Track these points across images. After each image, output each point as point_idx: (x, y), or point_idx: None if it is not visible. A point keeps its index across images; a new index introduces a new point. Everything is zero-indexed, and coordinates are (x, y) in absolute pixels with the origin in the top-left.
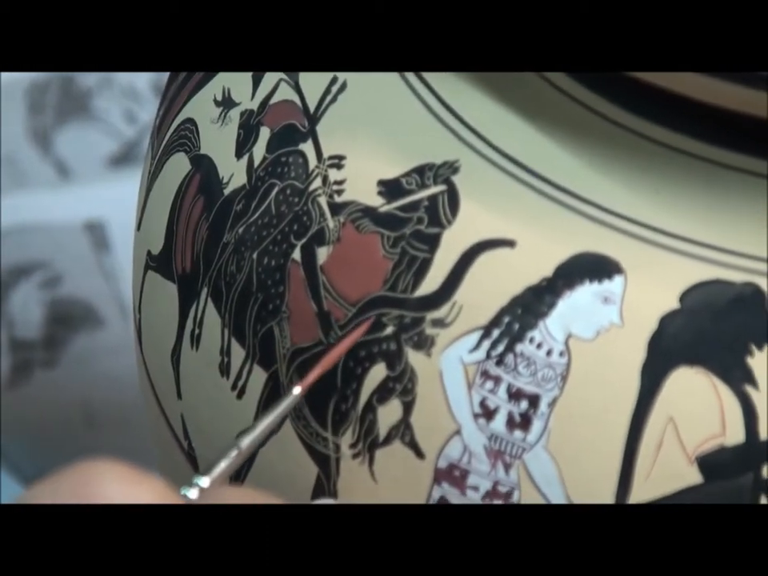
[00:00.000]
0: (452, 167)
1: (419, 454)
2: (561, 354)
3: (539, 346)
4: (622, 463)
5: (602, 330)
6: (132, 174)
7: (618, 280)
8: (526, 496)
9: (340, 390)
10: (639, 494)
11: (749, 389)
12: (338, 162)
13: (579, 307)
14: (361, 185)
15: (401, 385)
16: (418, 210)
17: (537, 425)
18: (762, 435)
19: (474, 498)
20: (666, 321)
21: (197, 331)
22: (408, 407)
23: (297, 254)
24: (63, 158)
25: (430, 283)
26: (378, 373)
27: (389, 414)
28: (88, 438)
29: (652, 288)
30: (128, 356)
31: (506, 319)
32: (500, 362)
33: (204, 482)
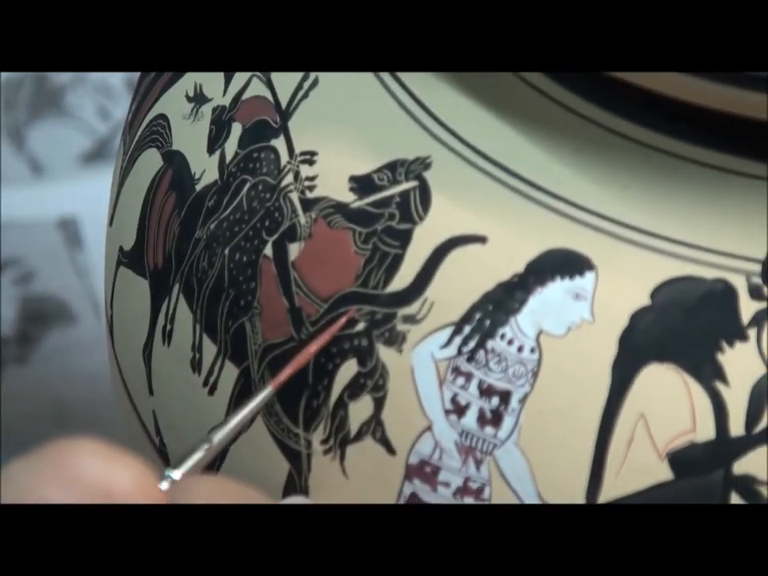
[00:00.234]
0: (424, 163)
1: (390, 450)
2: (532, 351)
3: (510, 342)
4: (593, 459)
5: (573, 326)
6: (105, 170)
7: (589, 276)
8: (497, 492)
9: (311, 386)
10: (610, 490)
11: (719, 385)
12: (309, 158)
13: (550, 303)
14: (332, 181)
15: (372, 381)
16: (389, 206)
17: (508, 421)
18: (733, 432)
19: (445, 494)
20: (636, 317)
21: (168, 327)
22: (379, 403)
23: (268, 250)
24: (36, 155)
25: (402, 279)
26: (349, 369)
27: (360, 410)
28: (60, 434)
29: (623, 284)
30: (100, 352)
31: (478, 315)
32: (471, 358)
33: (176, 474)
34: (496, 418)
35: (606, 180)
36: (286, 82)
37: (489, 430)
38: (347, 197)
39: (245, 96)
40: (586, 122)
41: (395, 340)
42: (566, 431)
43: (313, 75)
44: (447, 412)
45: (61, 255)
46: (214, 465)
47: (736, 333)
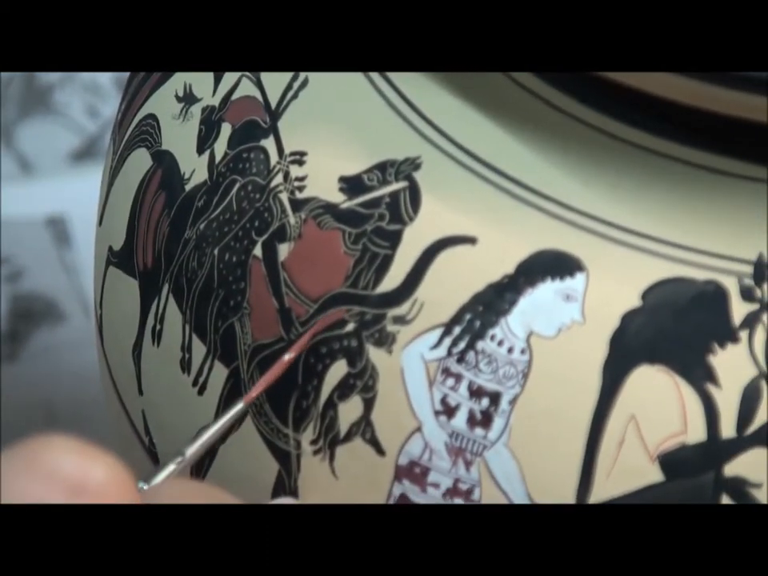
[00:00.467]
0: (413, 164)
1: (380, 450)
2: (522, 352)
3: (500, 343)
4: (584, 461)
5: (564, 327)
6: (94, 168)
7: (579, 277)
8: (487, 493)
9: (301, 387)
10: (600, 492)
11: (710, 387)
12: (299, 158)
13: (541, 304)
14: (322, 181)
15: (362, 382)
16: (379, 206)
17: (498, 422)
18: (724, 434)
19: (434, 495)
20: (627, 318)
21: (158, 327)
22: (369, 404)
23: (258, 251)
24: (25, 153)
25: (392, 280)
26: (338, 369)
27: (350, 410)
28: (48, 432)
29: (614, 286)
30: (90, 351)
31: (468, 316)
32: (461, 359)
33: (147, 488)
34: (486, 419)
35: (596, 181)
36: (275, 82)
37: (479, 431)
38: (337, 197)
39: (234, 96)
40: (577, 122)
41: (385, 341)
42: (557, 432)
43: (302, 75)
44: (437, 413)
45: (49, 253)
46: (203, 466)
47: (727, 334)
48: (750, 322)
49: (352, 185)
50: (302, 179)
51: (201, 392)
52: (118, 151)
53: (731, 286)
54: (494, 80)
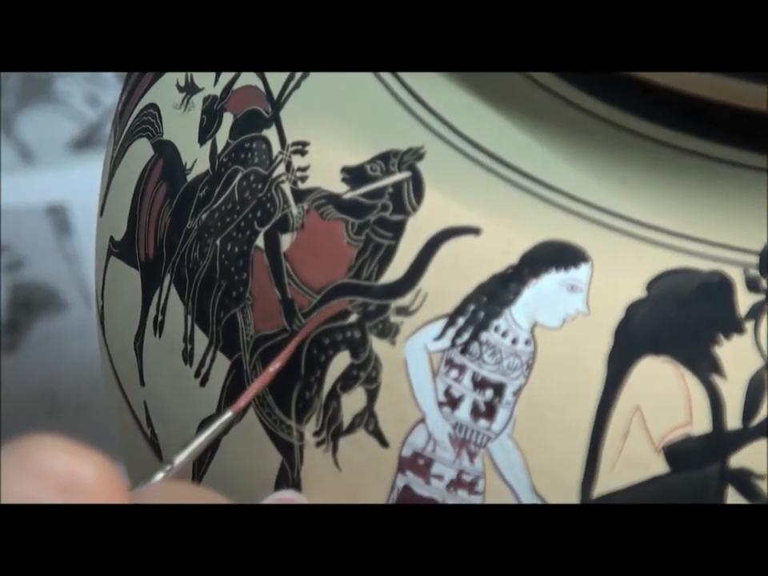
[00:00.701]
0: (417, 154)
1: (383, 442)
2: (526, 343)
3: (504, 334)
4: (588, 452)
5: (568, 318)
6: (94, 157)
7: (584, 268)
8: (491, 485)
9: (304, 378)
10: (605, 483)
11: (716, 378)
12: (301, 148)
13: (545, 295)
14: (325, 171)
15: (365, 373)
16: (382, 196)
17: (502, 413)
18: (729, 425)
19: (438, 486)
20: (632, 309)
21: (160, 318)
22: (372, 395)
23: (260, 241)
24: (25, 142)
25: (395, 271)
26: (341, 361)
27: (353, 402)
28: (50, 422)
29: (618, 276)
30: (91, 340)
31: (471, 307)
32: (465, 350)
33: None
34: (490, 411)
35: (601, 172)
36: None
37: (482, 422)
38: (339, 187)
39: (236, 86)
40: (580, 112)
41: (388, 332)
42: (561, 424)
43: None
44: (441, 404)
45: (50, 242)
46: (205, 457)
47: (733, 325)
48: (756, 312)
49: (355, 175)
50: (304, 169)
51: (203, 383)
52: (118, 141)
53: (737, 276)
54: None
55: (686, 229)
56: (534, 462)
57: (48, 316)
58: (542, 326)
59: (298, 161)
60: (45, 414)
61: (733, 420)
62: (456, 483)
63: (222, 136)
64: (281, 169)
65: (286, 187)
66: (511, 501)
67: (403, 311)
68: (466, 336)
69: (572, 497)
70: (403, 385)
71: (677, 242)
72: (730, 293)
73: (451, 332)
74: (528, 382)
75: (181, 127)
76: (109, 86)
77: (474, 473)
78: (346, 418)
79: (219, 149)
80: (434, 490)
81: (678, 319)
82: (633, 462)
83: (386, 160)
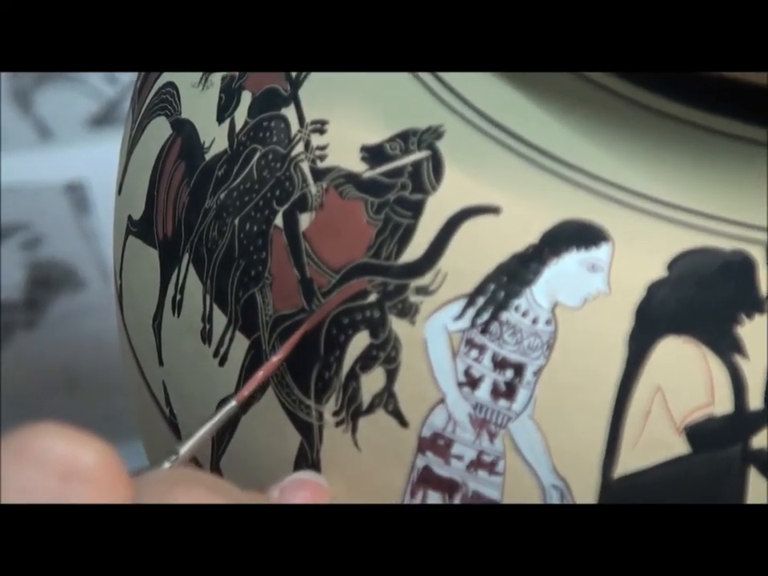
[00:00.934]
0: (436, 132)
1: (403, 422)
2: (547, 323)
3: (525, 314)
4: (609, 432)
5: (589, 297)
6: (113, 134)
7: (605, 247)
8: (511, 465)
9: (323, 358)
10: (626, 464)
11: (738, 358)
12: (320, 126)
13: (566, 275)
14: (344, 150)
15: (384, 353)
16: (401, 175)
17: (522, 394)
18: (751, 406)
19: (458, 467)
20: (653, 289)
21: (178, 297)
22: (392, 375)
23: (279, 220)
24: (44, 119)
25: (414, 250)
26: (361, 340)
27: (372, 382)
28: (69, 400)
29: (639, 256)
30: (109, 318)
31: (492, 287)
32: (485, 330)
33: None
34: (510, 391)
35: (622, 150)
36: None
37: (503, 402)
38: (359, 166)
39: None
40: (601, 90)
41: (408, 312)
42: (582, 404)
43: None
44: (460, 384)
45: (68, 220)
46: (224, 437)
47: (754, 305)
48: None
49: (374, 154)
50: (323, 148)
51: (222, 363)
52: (137, 120)
53: (759, 255)
54: None
55: (708, 208)
56: (554, 442)
57: (66, 294)
58: (563, 306)
59: (316, 139)
60: (63, 391)
61: (755, 400)
62: (476, 463)
63: (241, 115)
64: (299, 148)
65: (305, 166)
66: (532, 481)
67: (423, 291)
68: (486, 316)
69: (593, 478)
70: (423, 365)
71: (698, 221)
72: (752, 272)
73: (471, 312)
74: (549, 362)
75: (199, 106)
76: None
77: (494, 453)
78: (366, 398)
79: (238, 127)
80: (454, 471)
81: (700, 299)
82: (654, 443)
83: (406, 139)
